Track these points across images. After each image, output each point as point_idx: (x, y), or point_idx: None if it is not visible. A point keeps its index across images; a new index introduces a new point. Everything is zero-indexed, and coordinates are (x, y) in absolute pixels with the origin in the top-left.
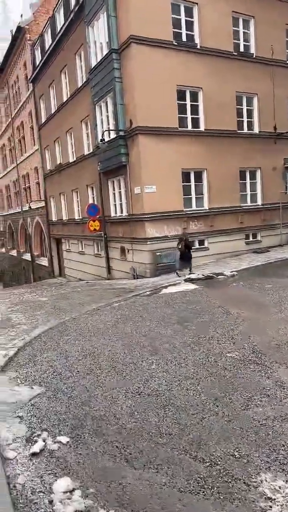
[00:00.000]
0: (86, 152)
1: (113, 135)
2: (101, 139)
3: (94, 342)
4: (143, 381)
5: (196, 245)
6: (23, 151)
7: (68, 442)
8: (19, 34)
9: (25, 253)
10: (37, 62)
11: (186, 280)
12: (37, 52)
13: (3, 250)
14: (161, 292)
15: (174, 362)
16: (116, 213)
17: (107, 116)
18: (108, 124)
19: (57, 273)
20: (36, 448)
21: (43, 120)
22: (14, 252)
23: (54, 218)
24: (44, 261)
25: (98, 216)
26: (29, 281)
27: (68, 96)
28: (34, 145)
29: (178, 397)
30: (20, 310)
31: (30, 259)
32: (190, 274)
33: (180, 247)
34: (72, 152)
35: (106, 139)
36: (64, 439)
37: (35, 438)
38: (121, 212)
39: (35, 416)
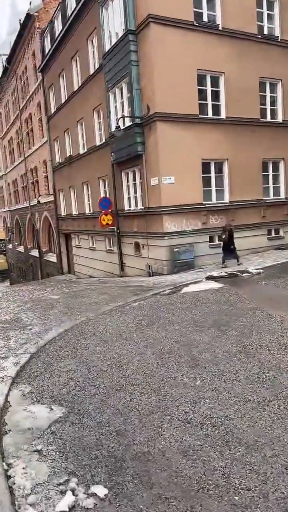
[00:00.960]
0: (98, 143)
1: (128, 122)
2: (116, 126)
3: (118, 348)
4: (189, 404)
5: (216, 240)
6: (31, 144)
7: (106, 495)
8: (28, 22)
9: (32, 249)
10: (47, 51)
11: (208, 278)
12: (46, 40)
13: (10, 246)
14: (182, 291)
15: (222, 378)
16: (130, 206)
17: (122, 103)
18: (123, 111)
19: (66, 269)
20: (63, 505)
21: (53, 111)
22: (21, 248)
23: (63, 213)
24: (52, 257)
25: (110, 210)
26: (37, 278)
27: (79, 84)
28: (43, 137)
29: (243, 429)
30: (31, 309)
31: (38, 255)
32: (238, 264)
33: (224, 237)
34: (83, 143)
35: (121, 127)
36: (100, 490)
37: (61, 487)
38: (136, 205)
39: (59, 451)
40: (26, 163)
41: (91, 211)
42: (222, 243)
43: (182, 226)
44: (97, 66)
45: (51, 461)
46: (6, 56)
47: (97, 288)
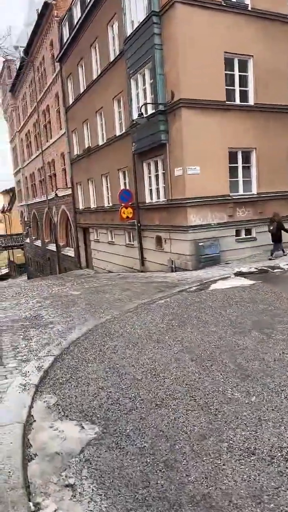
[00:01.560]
0: (118, 133)
1: (150, 110)
2: (139, 114)
3: (150, 352)
4: (249, 427)
5: (242, 234)
6: (48, 136)
7: None
8: (45, 11)
9: (50, 243)
10: (65, 40)
11: (236, 274)
12: (64, 29)
13: (28, 240)
14: (210, 287)
15: (282, 394)
16: (151, 198)
17: (144, 90)
18: (145, 98)
19: (84, 264)
20: None
21: (71, 101)
22: (38, 242)
23: (81, 206)
24: (70, 252)
25: (130, 203)
26: (54, 272)
27: (99, 73)
28: (61, 129)
29: None
30: (51, 306)
31: (55, 250)
32: (284, 255)
33: (271, 228)
34: (102, 133)
35: (144, 114)
36: None
37: None
38: (158, 197)
39: (96, 487)
40: (44, 156)
41: (110, 204)
42: (270, 234)
43: (207, 219)
44: (117, 52)
45: (87, 501)
46: (24, 48)
47: (118, 283)
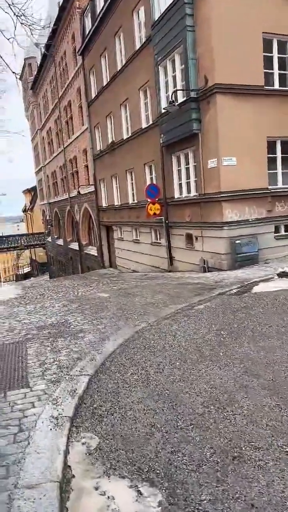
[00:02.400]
0: (144, 125)
1: (181, 98)
2: (170, 101)
3: (205, 374)
4: None
5: (282, 231)
6: (70, 133)
7: None
8: (67, 4)
9: (72, 242)
10: (87, 31)
11: (280, 275)
12: (86, 20)
13: (50, 239)
14: (253, 290)
15: None
16: (181, 193)
17: (174, 77)
18: (175, 86)
19: (107, 263)
20: None
21: (93, 96)
22: (60, 241)
23: (104, 204)
24: (92, 251)
25: (158, 199)
26: (77, 271)
27: (123, 63)
28: (83, 125)
29: None
30: (79, 310)
31: (78, 249)
32: None
33: None
34: (127, 127)
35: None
36: None
37: None
38: (188, 192)
39: None
40: (65, 154)
41: (135, 201)
42: None
43: (244, 214)
44: (143, 39)
45: None
46: (45, 44)
47: (148, 285)
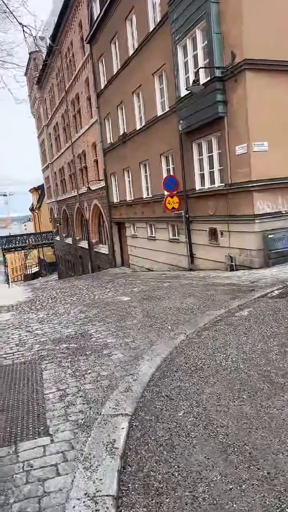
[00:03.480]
0: (159, 113)
1: (203, 79)
2: (194, 80)
3: None
4: None
5: None
6: (78, 127)
7: None
8: None
9: (81, 241)
10: (95, 17)
11: None
12: (94, 5)
13: (58, 238)
14: None
15: None
16: (203, 184)
17: (195, 56)
18: (196, 66)
19: (118, 262)
20: None
21: (102, 86)
22: (69, 240)
23: (115, 200)
24: (103, 249)
25: (176, 192)
26: (86, 271)
27: (136, 47)
28: (91, 118)
29: None
30: (99, 317)
31: (87, 247)
32: None
33: None
34: (140, 116)
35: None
36: None
37: None
38: (212, 182)
39: None
40: (73, 149)
41: (150, 195)
42: None
43: (277, 206)
44: (158, 19)
45: None
46: (50, 35)
47: (172, 286)
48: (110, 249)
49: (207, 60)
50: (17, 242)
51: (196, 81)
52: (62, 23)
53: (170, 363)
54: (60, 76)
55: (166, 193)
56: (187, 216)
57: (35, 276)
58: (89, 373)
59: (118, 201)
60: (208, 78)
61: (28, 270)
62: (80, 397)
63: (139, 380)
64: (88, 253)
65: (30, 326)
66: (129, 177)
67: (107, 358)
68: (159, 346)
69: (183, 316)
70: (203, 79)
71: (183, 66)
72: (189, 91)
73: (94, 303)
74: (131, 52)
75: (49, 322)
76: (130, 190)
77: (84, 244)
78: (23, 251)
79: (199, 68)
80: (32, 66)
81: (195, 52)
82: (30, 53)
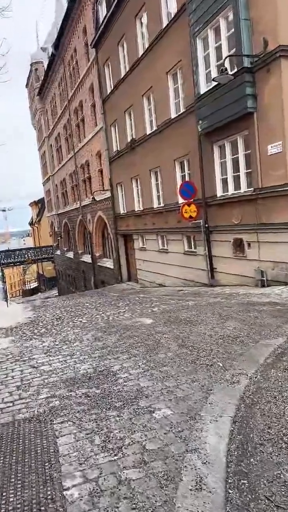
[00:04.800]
0: (173, 115)
1: (229, 71)
2: (222, 69)
3: None
4: None
5: None
6: (81, 136)
7: None
8: None
9: (84, 255)
10: (101, 20)
11: None
12: (100, 8)
13: (59, 252)
14: None
15: None
16: (226, 190)
17: (218, 48)
18: (219, 59)
19: (125, 276)
20: None
21: (108, 91)
22: (70, 254)
23: (122, 211)
24: (108, 263)
25: (192, 199)
26: (89, 286)
27: (146, 46)
28: (96, 126)
29: None
30: (121, 348)
31: (90, 261)
32: None
33: None
34: (151, 120)
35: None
36: None
37: None
38: (237, 187)
39: None
40: (76, 159)
41: (162, 204)
42: None
43: None
44: (174, 12)
45: None
46: (53, 43)
47: (199, 306)
48: (115, 263)
49: (233, 50)
50: (16, 257)
51: (225, 70)
52: (65, 29)
53: (245, 427)
54: (62, 85)
55: (180, 201)
56: (206, 225)
57: (34, 291)
58: (128, 445)
59: (125, 212)
60: (235, 70)
61: (26, 285)
62: (125, 499)
63: (211, 463)
64: (91, 268)
65: (34, 358)
66: (137, 186)
67: (148, 416)
68: (217, 396)
69: (232, 347)
70: (229, 70)
71: (203, 60)
72: (210, 88)
73: (110, 327)
74: (141, 52)
75: (57, 352)
76: (139, 200)
77: (87, 258)
78: (21, 266)
79: (228, 56)
80: (33, 77)
81: (217, 43)
82: (31, 64)
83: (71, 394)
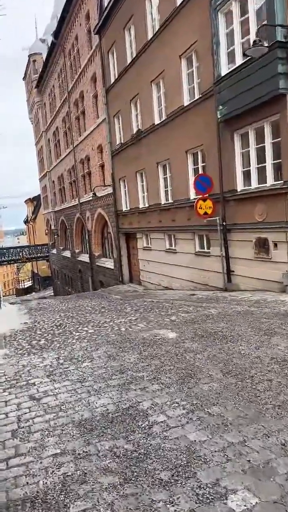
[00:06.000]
0: (187, 102)
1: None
2: (255, 41)
3: None
4: None
5: None
6: (81, 130)
7: None
8: None
9: (82, 254)
10: (106, 3)
11: None
12: None
13: (54, 251)
14: None
15: None
16: (248, 184)
17: (243, 22)
18: (244, 35)
19: (126, 277)
20: None
21: (112, 80)
22: (67, 253)
23: (124, 207)
24: (107, 263)
25: (207, 194)
26: (86, 287)
27: (157, 28)
28: (98, 118)
29: None
30: (147, 373)
31: (88, 261)
32: None
33: None
34: (160, 109)
35: (239, 61)
36: None
37: None
38: (262, 181)
39: None
40: (75, 154)
41: (171, 200)
42: None
43: None
44: None
45: None
46: (53, 32)
47: (226, 315)
48: (116, 263)
49: (267, 19)
50: (10, 255)
51: (259, 41)
52: (66, 15)
53: None
54: (62, 76)
55: (192, 196)
56: (223, 223)
57: (27, 291)
58: None
59: (128, 209)
60: (266, 46)
61: (20, 284)
62: None
63: None
64: (89, 268)
65: (34, 383)
66: (142, 181)
67: (221, 508)
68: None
69: (279, 376)
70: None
71: (225, 37)
72: (233, 69)
73: (125, 341)
74: (150, 35)
75: (63, 376)
76: (144, 196)
77: (84, 257)
78: (15, 264)
79: (262, 26)
80: (31, 69)
81: (243, 17)
82: (29, 56)
83: (90, 450)
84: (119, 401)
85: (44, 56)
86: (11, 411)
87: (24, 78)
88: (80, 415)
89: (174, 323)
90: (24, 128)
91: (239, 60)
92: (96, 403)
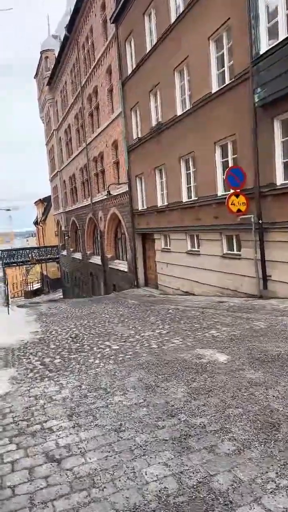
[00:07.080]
0: (215, 89)
1: None
2: None
3: None
4: None
5: None
6: (95, 126)
7: None
8: None
9: (93, 256)
10: None
11: None
12: None
13: (65, 252)
14: None
15: None
16: None
17: None
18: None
19: (141, 281)
20: None
21: (129, 71)
22: (78, 255)
23: (140, 207)
24: (121, 265)
25: (240, 189)
26: (98, 291)
27: (182, 9)
28: (113, 112)
29: None
30: (208, 420)
31: (101, 263)
32: None
33: None
34: (183, 98)
35: (283, 35)
36: None
37: None
38: None
39: None
40: (88, 152)
41: (194, 198)
42: None
43: None
44: None
45: None
46: (66, 25)
47: (283, 331)
48: (130, 265)
49: None
50: (19, 257)
51: None
52: (80, 8)
53: None
54: (75, 70)
55: (220, 192)
56: (259, 222)
57: (36, 293)
58: None
59: (145, 207)
60: None
61: (29, 286)
62: None
63: None
64: (102, 270)
65: (51, 430)
66: (162, 178)
67: None
68: None
69: None
70: None
71: (265, 10)
72: (275, 45)
73: (161, 363)
74: (173, 19)
75: (91, 418)
76: (163, 194)
77: (96, 259)
78: (24, 266)
79: None
80: (43, 67)
81: None
82: (42, 52)
83: None
84: (181, 472)
85: (57, 52)
86: (20, 483)
87: (35, 76)
88: (125, 498)
89: (217, 340)
90: (35, 128)
91: (283, 34)
92: (146, 473)
